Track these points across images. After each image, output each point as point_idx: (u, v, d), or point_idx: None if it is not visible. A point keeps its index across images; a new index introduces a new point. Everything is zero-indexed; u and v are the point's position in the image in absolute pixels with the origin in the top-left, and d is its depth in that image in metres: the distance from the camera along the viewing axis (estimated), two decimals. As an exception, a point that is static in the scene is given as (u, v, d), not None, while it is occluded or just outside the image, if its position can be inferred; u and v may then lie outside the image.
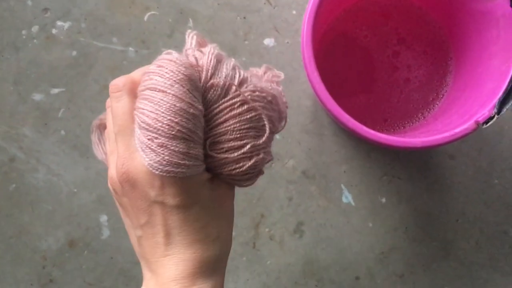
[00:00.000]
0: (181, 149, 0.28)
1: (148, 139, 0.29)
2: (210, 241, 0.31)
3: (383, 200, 0.63)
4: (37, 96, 0.63)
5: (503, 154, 0.63)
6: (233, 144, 0.31)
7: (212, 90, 0.31)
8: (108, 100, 0.34)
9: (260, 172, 0.34)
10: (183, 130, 0.28)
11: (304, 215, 0.63)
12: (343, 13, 0.57)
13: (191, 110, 0.29)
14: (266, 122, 0.32)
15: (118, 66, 0.64)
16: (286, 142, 0.64)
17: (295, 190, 0.63)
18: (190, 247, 0.31)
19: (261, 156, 0.32)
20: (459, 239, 0.63)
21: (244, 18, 0.64)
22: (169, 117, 0.28)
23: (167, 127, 0.28)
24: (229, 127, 0.31)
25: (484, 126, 0.44)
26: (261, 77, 0.36)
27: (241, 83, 0.32)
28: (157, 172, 0.29)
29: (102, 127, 0.41)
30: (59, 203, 0.62)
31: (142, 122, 0.29)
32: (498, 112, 0.44)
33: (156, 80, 0.29)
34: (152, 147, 0.28)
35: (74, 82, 0.63)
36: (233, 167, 0.32)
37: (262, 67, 0.38)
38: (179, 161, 0.28)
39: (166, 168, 0.28)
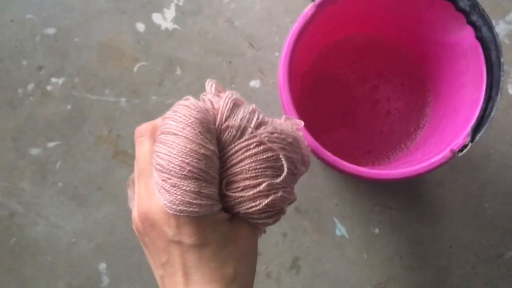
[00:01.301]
0: (192, 189, 0.29)
1: (162, 180, 0.30)
2: (227, 281, 0.32)
3: (376, 230, 0.64)
4: (34, 151, 0.66)
5: (491, 178, 0.64)
6: (248, 183, 0.32)
7: (227, 132, 0.32)
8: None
9: (282, 212, 0.35)
10: (194, 170, 0.29)
11: (299, 250, 0.64)
12: (321, 53, 0.59)
13: (202, 151, 0.30)
14: (284, 162, 0.33)
15: (111, 116, 0.66)
16: (277, 179, 0.65)
17: (289, 226, 0.64)
18: (207, 287, 0.31)
19: (279, 194, 0.32)
20: (454, 265, 0.63)
21: (230, 62, 0.67)
22: (180, 158, 0.29)
23: (178, 167, 0.29)
24: (244, 167, 0.32)
25: (459, 154, 0.45)
26: (282, 124, 0.37)
27: (259, 125, 0.33)
28: (171, 212, 0.30)
29: None
30: (59, 254, 0.64)
31: (157, 164, 0.30)
32: (472, 140, 0.45)
33: (170, 124, 0.31)
34: (166, 188, 0.30)
35: (69, 134, 0.66)
36: (250, 205, 0.32)
37: (282, 117, 0.38)
38: (191, 201, 0.29)
39: (179, 208, 0.29)
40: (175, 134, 0.30)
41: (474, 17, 0.46)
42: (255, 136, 0.32)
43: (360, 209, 0.65)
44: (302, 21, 0.47)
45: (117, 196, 0.65)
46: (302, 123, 0.38)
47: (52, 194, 0.65)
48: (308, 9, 0.48)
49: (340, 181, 0.65)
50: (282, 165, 0.33)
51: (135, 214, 0.34)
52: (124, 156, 0.65)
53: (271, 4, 0.68)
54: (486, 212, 0.64)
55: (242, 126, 0.32)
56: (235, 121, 0.32)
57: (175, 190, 0.29)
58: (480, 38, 0.46)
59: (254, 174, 0.32)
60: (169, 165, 0.30)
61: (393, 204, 0.65)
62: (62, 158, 0.65)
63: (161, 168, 0.30)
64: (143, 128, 0.34)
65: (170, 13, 0.68)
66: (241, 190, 0.32)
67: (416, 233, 0.64)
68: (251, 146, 0.32)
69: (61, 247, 0.64)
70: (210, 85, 0.37)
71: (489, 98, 0.45)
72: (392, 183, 0.64)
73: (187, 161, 0.29)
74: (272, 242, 0.64)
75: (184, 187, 0.29)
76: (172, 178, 0.29)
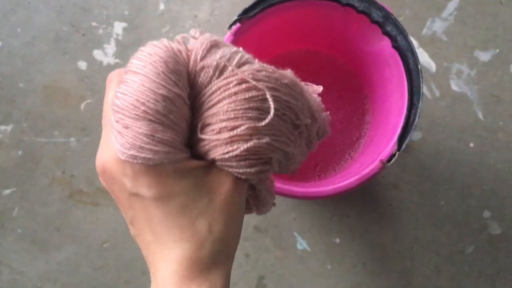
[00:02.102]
0: (144, 131, 0.26)
1: (116, 121, 0.27)
2: (200, 238, 0.28)
3: (337, 240, 0.65)
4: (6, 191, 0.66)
5: (443, 175, 0.64)
6: (226, 124, 0.28)
7: (203, 73, 0.28)
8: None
9: (269, 163, 0.29)
10: (149, 111, 0.26)
11: (263, 269, 0.64)
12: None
13: (161, 91, 0.26)
14: (271, 102, 0.28)
15: (62, 157, 0.66)
16: (234, 200, 0.65)
17: (251, 246, 0.65)
18: (178, 246, 0.27)
19: (264, 140, 0.28)
20: (417, 266, 0.64)
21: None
22: (135, 97, 0.26)
23: (131, 106, 0.26)
24: (222, 108, 0.28)
25: (388, 164, 0.46)
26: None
27: (243, 64, 0.29)
28: (123, 158, 0.26)
29: None
30: (25, 300, 0.64)
31: (114, 105, 0.27)
32: (399, 149, 0.46)
33: (133, 63, 0.28)
34: (119, 129, 0.26)
35: (23, 180, 0.66)
36: (226, 150, 0.28)
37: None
38: (143, 145, 0.26)
39: (131, 152, 0.26)
40: (135, 73, 0.27)
41: (388, 28, 0.47)
42: (236, 74, 0.28)
43: (318, 220, 0.65)
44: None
45: (76, 235, 0.65)
46: (321, 88, 0.34)
47: (12, 241, 0.65)
48: (227, 37, 0.48)
49: (295, 196, 0.65)
50: (269, 107, 0.28)
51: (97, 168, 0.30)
52: (80, 196, 0.66)
53: (209, 30, 0.69)
54: (443, 210, 0.64)
55: (221, 65, 0.28)
56: (212, 60, 0.28)
57: (127, 132, 0.26)
58: (396, 47, 0.47)
59: (232, 116, 0.27)
60: (123, 103, 0.26)
61: (350, 212, 0.65)
62: (18, 204, 0.66)
63: (116, 108, 0.27)
64: (114, 73, 0.30)
65: (111, 48, 0.68)
66: (217, 133, 0.28)
67: (376, 237, 0.64)
68: (231, 85, 0.28)
69: (26, 293, 0.64)
70: (194, 32, 0.31)
71: (412, 105, 0.46)
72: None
73: (142, 100, 0.26)
74: (235, 264, 0.64)
75: (136, 129, 0.26)
76: (125, 118, 0.26)
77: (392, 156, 0.45)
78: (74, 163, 0.66)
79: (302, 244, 0.65)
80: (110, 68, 0.68)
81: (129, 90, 0.26)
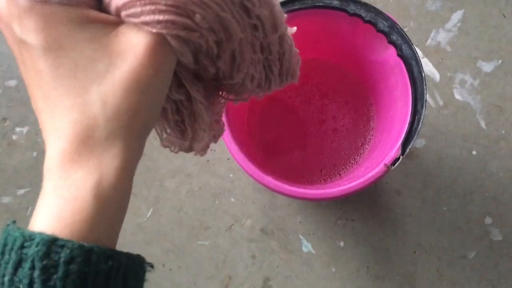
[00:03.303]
0: None
1: None
2: (92, 111, 0.22)
3: (341, 243, 0.66)
4: (6, 199, 0.68)
5: (446, 182, 0.66)
6: None
7: None
8: None
9: (190, 16, 0.23)
10: None
11: (269, 270, 0.66)
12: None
13: None
14: None
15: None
16: (241, 203, 0.67)
17: (257, 248, 0.66)
18: (68, 116, 0.22)
19: None
20: (420, 270, 0.65)
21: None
22: None
23: None
24: None
25: (392, 167, 0.47)
26: None
27: None
28: None
29: None
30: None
31: None
32: (403, 153, 0.47)
33: None
34: None
35: (38, 180, 0.68)
36: None
37: None
38: None
39: None
40: None
41: (393, 37, 0.49)
42: None
43: (323, 224, 0.67)
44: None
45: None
46: (295, 28, 0.31)
47: (25, 240, 0.67)
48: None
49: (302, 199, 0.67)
50: None
51: None
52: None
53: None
54: (445, 216, 0.66)
55: None
56: None
57: None
58: (401, 55, 0.49)
59: None
60: None
61: (355, 216, 0.67)
62: (32, 203, 0.68)
63: None
64: None
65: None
66: None
67: (380, 242, 0.66)
68: None
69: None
70: None
71: (416, 112, 0.48)
72: (352, 196, 0.66)
73: None
74: (242, 265, 0.66)
75: None
76: None
77: (396, 160, 0.47)
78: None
79: (307, 246, 0.66)
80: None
81: None
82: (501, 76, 0.68)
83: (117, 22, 0.23)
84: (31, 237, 0.20)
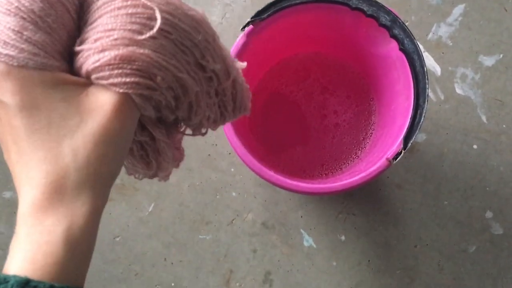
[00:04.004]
0: (12, 26, 0.24)
1: None
2: (64, 163, 0.25)
3: (343, 237, 0.66)
4: (7, 194, 0.68)
5: (447, 176, 0.66)
6: (102, 35, 0.26)
7: None
8: None
9: (151, 79, 0.26)
10: (22, 8, 0.24)
11: (270, 264, 0.66)
12: (268, 73, 0.62)
13: None
14: (158, 19, 0.26)
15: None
16: (242, 197, 0.67)
17: (258, 242, 0.67)
18: (40, 167, 0.25)
19: (143, 51, 0.25)
20: (421, 264, 0.65)
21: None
22: None
23: (5, 1, 0.24)
24: (101, 21, 0.26)
25: (394, 162, 0.47)
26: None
27: None
28: None
29: None
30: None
31: None
32: (405, 147, 0.47)
33: None
34: None
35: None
36: (98, 58, 0.25)
37: None
38: (7, 40, 0.24)
39: None
40: None
41: (396, 31, 0.49)
42: None
43: (325, 218, 0.67)
44: (235, 51, 0.49)
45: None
46: (245, 63, 0.33)
47: (27, 234, 0.67)
48: (239, 38, 0.50)
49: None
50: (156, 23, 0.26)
51: None
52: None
53: (221, 33, 0.71)
54: (446, 210, 0.66)
55: None
56: None
57: None
58: (403, 50, 0.49)
59: (110, 27, 0.26)
60: None
61: (356, 210, 0.67)
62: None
63: None
64: None
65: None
66: (92, 43, 0.26)
67: (381, 236, 0.66)
68: (115, 1, 0.26)
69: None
70: None
71: (417, 106, 0.48)
72: (354, 190, 0.67)
73: None
74: (243, 259, 0.66)
75: (4, 23, 0.24)
76: None
77: (398, 154, 0.47)
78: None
79: (308, 241, 0.66)
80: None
81: None
82: (503, 70, 0.68)
83: (87, 83, 0.26)
84: (5, 279, 0.22)
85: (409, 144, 0.47)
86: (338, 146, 0.61)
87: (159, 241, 0.67)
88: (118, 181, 0.67)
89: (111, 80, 0.25)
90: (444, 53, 0.68)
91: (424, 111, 0.47)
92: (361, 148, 0.60)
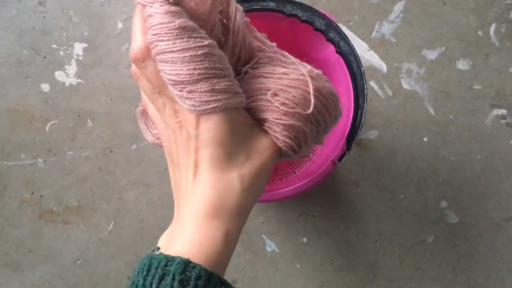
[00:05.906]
0: (206, 88, 0.31)
1: (179, 91, 0.32)
2: (232, 189, 0.32)
3: (304, 239, 0.67)
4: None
5: (400, 170, 0.67)
6: (287, 102, 0.35)
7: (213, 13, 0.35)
8: (135, 72, 0.36)
9: (300, 145, 0.36)
10: (202, 72, 0.31)
11: (235, 272, 0.66)
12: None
13: (200, 52, 0.31)
14: (312, 99, 0.35)
15: (31, 178, 0.67)
16: (202, 209, 0.67)
17: (221, 252, 0.67)
18: (214, 187, 0.32)
19: (305, 128, 0.35)
20: (382, 259, 0.66)
21: (137, 106, 0.69)
22: (186, 69, 0.31)
23: (188, 76, 0.31)
24: (282, 84, 0.35)
25: (339, 163, 0.48)
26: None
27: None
28: (196, 113, 0.32)
29: (145, 113, 0.44)
30: (1, 322, 0.65)
31: (169, 80, 0.32)
32: (348, 148, 0.48)
33: (160, 45, 0.32)
34: (185, 96, 0.32)
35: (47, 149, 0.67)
36: (280, 117, 0.34)
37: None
38: (208, 99, 0.31)
39: (202, 108, 0.32)
40: (171, 52, 0.31)
41: (331, 34, 0.50)
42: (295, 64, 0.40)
43: (285, 222, 0.67)
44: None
45: (49, 255, 0.66)
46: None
47: (-15, 265, 0.66)
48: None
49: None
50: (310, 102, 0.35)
51: (168, 121, 0.35)
52: (50, 215, 0.67)
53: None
54: (402, 203, 0.67)
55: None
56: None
57: (192, 95, 0.32)
58: (339, 52, 0.49)
59: (291, 96, 0.34)
60: (179, 77, 0.31)
61: (315, 211, 0.67)
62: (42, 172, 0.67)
63: (174, 82, 0.32)
64: (139, 55, 0.34)
65: (72, 68, 0.70)
66: (280, 104, 0.34)
67: (341, 235, 0.67)
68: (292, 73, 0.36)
69: (2, 315, 0.65)
70: None
71: (358, 106, 0.49)
72: (311, 192, 0.67)
73: (192, 67, 0.31)
74: (207, 270, 0.66)
75: (199, 90, 0.31)
76: (187, 86, 0.31)
77: (343, 156, 0.48)
78: (42, 184, 0.67)
79: (271, 246, 0.67)
80: (73, 88, 0.69)
81: (176, 66, 0.32)
82: (446, 63, 0.70)
83: (255, 124, 0.35)
84: (173, 258, 0.29)
85: (353, 145, 0.48)
86: (290, 150, 0.61)
87: (122, 261, 0.66)
88: (74, 203, 0.67)
89: (278, 135, 0.35)
90: (388, 50, 0.70)
91: (365, 111, 0.48)
92: (312, 150, 0.61)
